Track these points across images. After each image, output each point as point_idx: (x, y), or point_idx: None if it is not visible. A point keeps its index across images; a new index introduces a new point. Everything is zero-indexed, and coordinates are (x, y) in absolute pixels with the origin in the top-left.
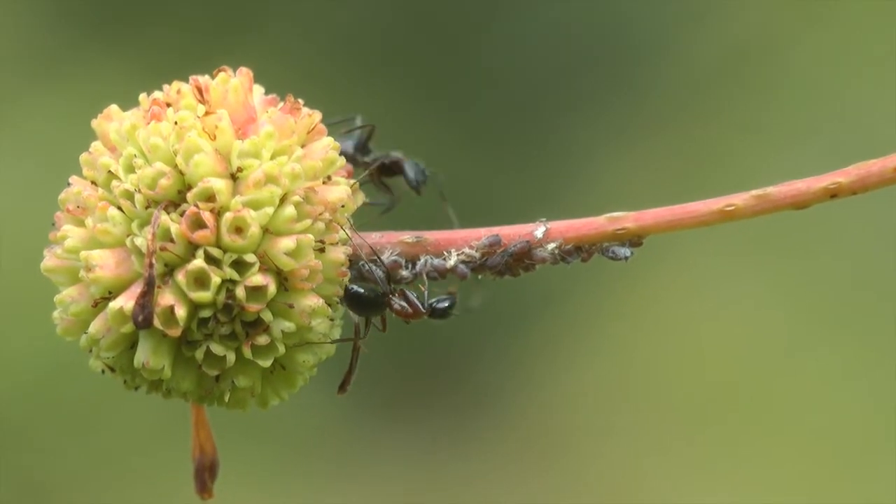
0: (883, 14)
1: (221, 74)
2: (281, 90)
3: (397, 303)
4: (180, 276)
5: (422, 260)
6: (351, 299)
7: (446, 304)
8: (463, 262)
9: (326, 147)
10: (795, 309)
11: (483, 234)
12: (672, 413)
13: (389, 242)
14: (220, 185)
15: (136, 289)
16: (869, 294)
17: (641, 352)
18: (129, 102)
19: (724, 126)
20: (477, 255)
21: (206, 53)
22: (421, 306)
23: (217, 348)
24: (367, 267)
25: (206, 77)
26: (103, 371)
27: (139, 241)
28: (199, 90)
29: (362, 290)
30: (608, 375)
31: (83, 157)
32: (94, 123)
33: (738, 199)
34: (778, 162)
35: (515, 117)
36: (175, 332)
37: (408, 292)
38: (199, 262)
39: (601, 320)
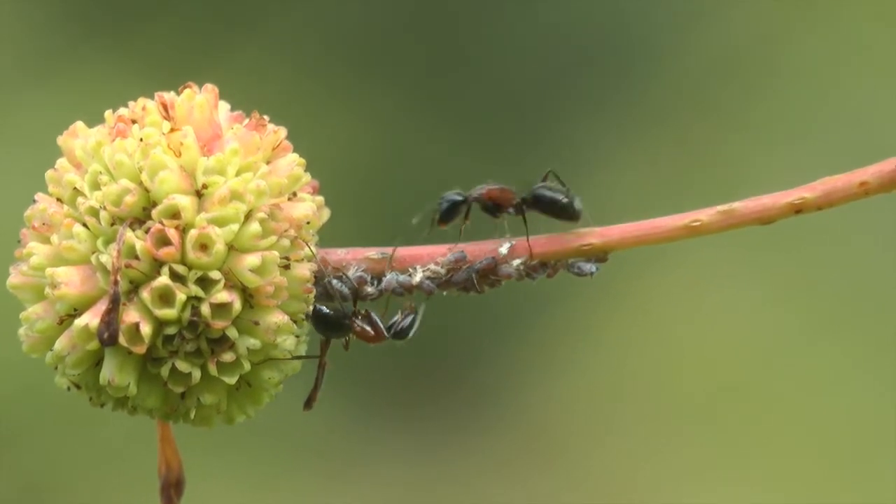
0: (879, 14)
1: (187, 91)
2: (280, 88)
3: (359, 325)
4: (145, 294)
5: (387, 276)
6: (318, 320)
7: (407, 324)
8: (428, 278)
9: (292, 164)
10: (793, 309)
11: (448, 250)
12: (669, 413)
13: (355, 259)
14: (185, 201)
15: (102, 306)
16: (867, 293)
17: (638, 352)
18: (129, 99)
19: (721, 125)
20: (442, 271)
21: (205, 52)
22: (383, 330)
23: (182, 365)
24: (332, 284)
25: (172, 94)
26: (69, 388)
27: (104, 259)
28: (165, 107)
29: (329, 311)
30: (605, 376)
31: (48, 173)
32: (60, 140)
33: (704, 215)
34: (774, 161)
35: (512, 118)
36: (140, 350)
37: (372, 314)
38: (164, 280)
39: (598, 321)
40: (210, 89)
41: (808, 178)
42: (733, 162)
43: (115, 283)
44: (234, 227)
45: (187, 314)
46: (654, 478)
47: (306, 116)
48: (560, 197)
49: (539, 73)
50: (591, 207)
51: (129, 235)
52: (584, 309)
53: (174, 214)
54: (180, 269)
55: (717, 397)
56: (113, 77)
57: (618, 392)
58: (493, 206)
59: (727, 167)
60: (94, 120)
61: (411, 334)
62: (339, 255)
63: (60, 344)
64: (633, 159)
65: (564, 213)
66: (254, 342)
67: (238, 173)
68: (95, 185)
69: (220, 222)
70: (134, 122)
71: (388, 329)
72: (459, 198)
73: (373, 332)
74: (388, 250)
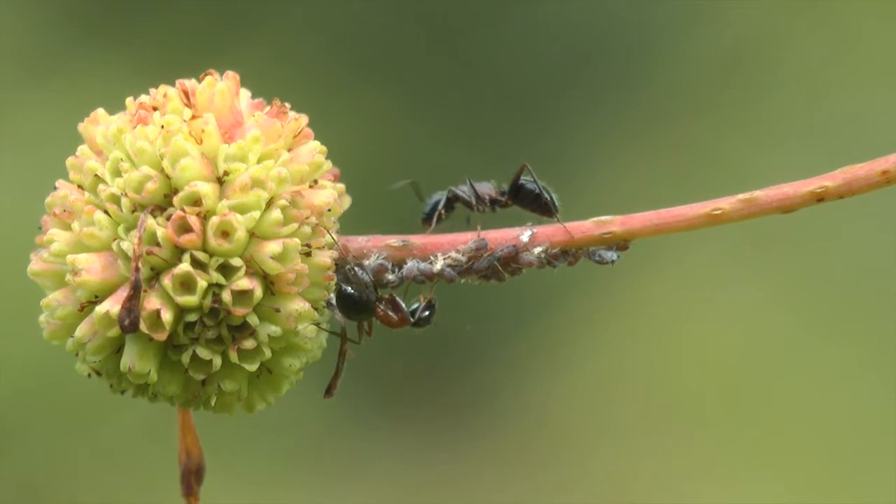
0: (876, 14)
1: (208, 78)
2: (283, 88)
3: (382, 309)
4: (167, 280)
5: (409, 264)
6: (342, 300)
7: (428, 314)
8: (449, 265)
9: (313, 151)
10: (793, 309)
11: (470, 238)
12: (668, 413)
13: (376, 246)
14: (206, 188)
15: (123, 293)
16: (868, 293)
17: (638, 352)
18: (131, 98)
19: (720, 124)
20: (463, 258)
21: (206, 51)
22: (408, 315)
23: (203, 352)
24: (353, 271)
25: (193, 81)
26: (89, 375)
27: (125, 245)
28: (186, 94)
29: (354, 292)
30: (604, 376)
31: (70, 160)
32: (81, 127)
33: (725, 203)
34: (774, 160)
35: (513, 117)
36: (161, 337)
37: (397, 299)
38: (185, 266)
39: (597, 321)
40: (231, 76)
41: (809, 177)
42: (734, 161)
43: (137, 269)
44: (256, 214)
45: (208, 301)
46: (653, 477)
47: (306, 116)
48: (541, 191)
49: (540, 71)
50: (592, 206)
51: (151, 222)
52: (584, 309)
53: (196, 201)
54: (202, 256)
55: (717, 397)
56: (113, 77)
57: (618, 392)
58: (473, 202)
59: (727, 167)
60: None
61: (432, 322)
62: (359, 242)
63: (81, 331)
64: (634, 158)
65: (545, 207)
66: (275, 329)
67: (259, 160)
68: (116, 172)
69: (242, 209)
70: (155, 109)
71: (412, 316)
72: (441, 198)
73: (396, 318)
74: (410, 238)
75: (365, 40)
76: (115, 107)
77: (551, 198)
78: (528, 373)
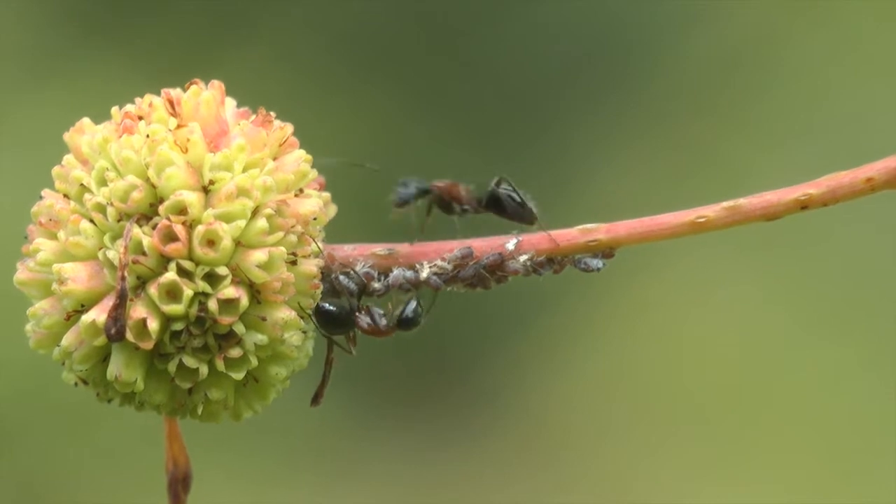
0: (878, 14)
1: (193, 87)
2: (283, 88)
3: (363, 320)
4: (153, 289)
5: (394, 272)
6: (321, 317)
7: (411, 310)
8: (435, 273)
9: (298, 159)
10: (793, 309)
11: (455, 246)
12: (668, 413)
13: (362, 255)
14: (192, 197)
15: (109, 302)
16: (868, 293)
17: (637, 352)
18: (128, 99)
19: (720, 124)
20: (449, 267)
21: (206, 51)
22: (385, 324)
23: (190, 361)
24: (338, 279)
25: (178, 90)
26: (76, 384)
27: (111, 254)
28: (171, 103)
29: (333, 308)
30: (604, 376)
31: (55, 170)
32: (66, 137)
33: (710, 211)
34: (774, 160)
35: (513, 117)
36: (147, 345)
37: (373, 309)
38: (171, 275)
39: (597, 322)
40: (217, 86)
41: (809, 177)
42: (734, 161)
43: (123, 278)
44: (241, 223)
45: (194, 310)
46: (653, 477)
47: (306, 115)
48: (518, 199)
49: (540, 71)
50: (592, 206)
51: (137, 231)
52: (584, 309)
53: (181, 210)
54: (187, 264)
55: (717, 397)
56: (113, 77)
57: (618, 392)
58: (447, 203)
59: (727, 167)
60: (93, 120)
61: (421, 324)
62: (345, 251)
63: (68, 340)
64: (634, 158)
65: (522, 215)
66: (261, 338)
67: (245, 169)
68: (102, 182)
69: (227, 218)
70: (140, 118)
71: (395, 322)
72: (422, 186)
73: (378, 328)
74: (395, 246)
75: (365, 40)
76: (115, 106)
77: (528, 206)
78: (528, 373)
